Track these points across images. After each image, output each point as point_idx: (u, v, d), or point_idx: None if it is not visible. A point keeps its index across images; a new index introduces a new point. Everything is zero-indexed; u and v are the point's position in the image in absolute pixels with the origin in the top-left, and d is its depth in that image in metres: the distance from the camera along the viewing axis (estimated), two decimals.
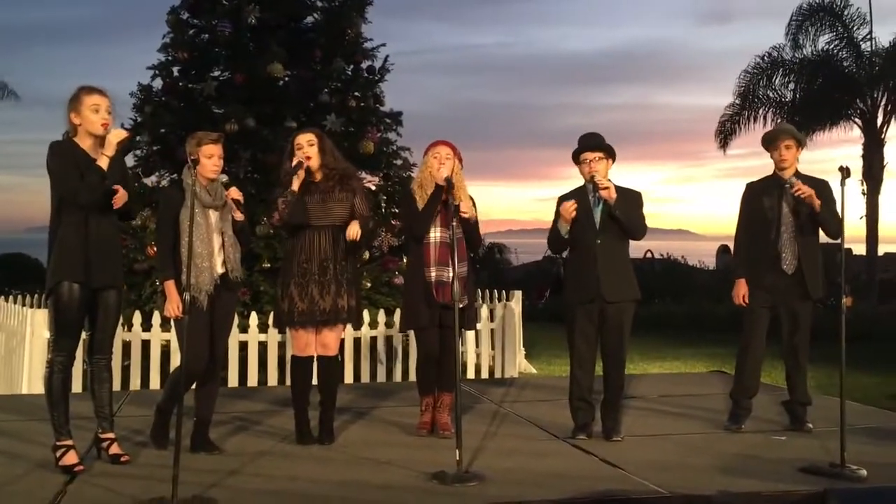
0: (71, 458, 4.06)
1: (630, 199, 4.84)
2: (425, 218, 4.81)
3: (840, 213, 4.53)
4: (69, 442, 4.11)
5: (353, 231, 4.61)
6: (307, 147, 4.71)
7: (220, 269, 4.39)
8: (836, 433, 4.25)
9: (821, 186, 4.98)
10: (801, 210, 4.92)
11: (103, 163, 4.06)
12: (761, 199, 5.07)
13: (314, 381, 4.82)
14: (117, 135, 4.11)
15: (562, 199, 4.98)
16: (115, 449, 4.24)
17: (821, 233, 5.04)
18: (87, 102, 4.12)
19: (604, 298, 4.75)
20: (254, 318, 7.08)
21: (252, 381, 7.03)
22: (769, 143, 5.09)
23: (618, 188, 4.77)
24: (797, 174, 5.01)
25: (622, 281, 4.82)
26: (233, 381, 6.94)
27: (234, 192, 4.49)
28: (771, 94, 16.79)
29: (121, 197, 4.13)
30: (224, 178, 4.42)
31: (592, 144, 4.86)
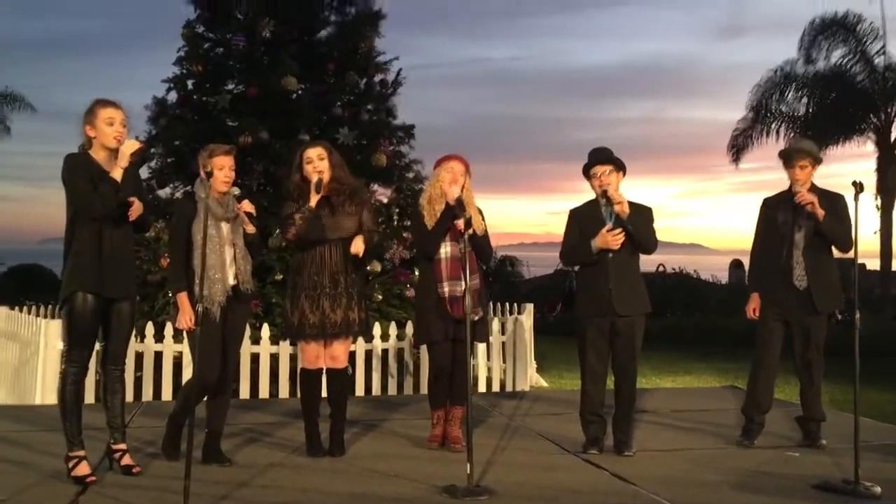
0: (83, 469, 4.08)
1: (641, 214, 4.84)
2: (435, 238, 4.82)
3: (854, 228, 4.51)
4: (81, 453, 4.13)
5: (358, 246, 4.63)
6: (318, 161, 4.72)
7: (231, 281, 4.41)
8: (850, 450, 4.22)
9: (835, 200, 4.97)
10: (809, 224, 4.91)
11: (117, 174, 4.10)
12: (776, 214, 5.07)
13: (324, 394, 4.83)
14: (130, 146, 4.15)
15: (573, 213, 4.99)
16: (126, 460, 4.25)
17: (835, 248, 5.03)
18: (102, 115, 4.16)
19: (615, 312, 4.75)
20: (266, 331, 7.09)
21: (263, 393, 7.04)
22: (785, 160, 5.09)
23: (629, 203, 4.78)
24: (812, 189, 5.00)
25: (634, 295, 4.81)
26: (244, 392, 6.95)
27: (246, 205, 4.51)
28: (784, 109, 16.76)
29: (136, 209, 4.17)
30: (236, 190, 4.45)
31: (603, 158, 4.87)
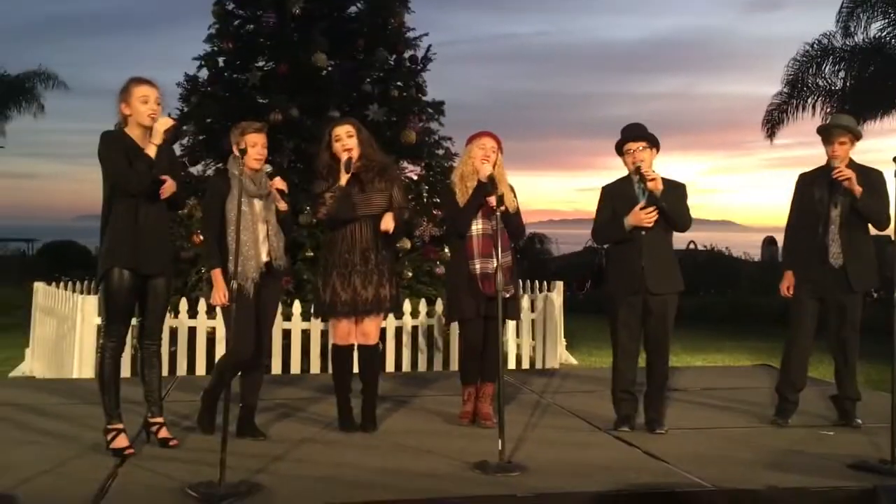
0: (121, 442, 4.16)
1: (675, 191, 4.78)
2: (467, 215, 4.81)
3: (893, 205, 4.43)
4: (120, 426, 4.21)
5: (388, 223, 4.63)
6: (346, 139, 4.71)
7: (264, 258, 4.45)
8: (886, 429, 4.16)
9: (873, 176, 4.88)
10: (846, 201, 4.83)
11: (151, 151, 4.15)
12: (812, 191, 4.99)
13: (355, 370, 4.87)
14: (164, 123, 4.18)
15: (606, 190, 4.94)
16: (163, 433, 4.33)
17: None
18: (137, 94, 4.20)
19: (648, 290, 4.71)
20: (297, 307, 7.15)
21: (295, 368, 7.11)
22: (824, 135, 4.99)
23: (662, 180, 4.72)
24: (850, 165, 4.91)
25: (666, 272, 4.77)
26: (276, 368, 7.03)
27: (279, 182, 4.54)
28: (821, 83, 16.40)
29: (168, 187, 4.20)
30: (268, 167, 4.47)
31: (636, 135, 4.81)
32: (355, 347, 4.81)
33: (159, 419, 4.36)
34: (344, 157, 4.68)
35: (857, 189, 4.77)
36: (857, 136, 4.99)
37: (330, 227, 4.79)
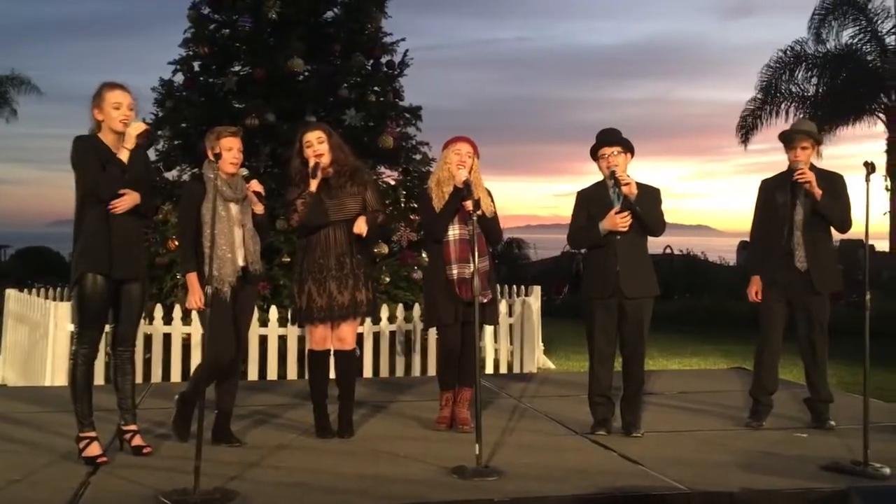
0: (94, 450, 4.11)
1: (649, 196, 4.82)
2: (443, 221, 4.81)
3: (866, 209, 4.48)
4: (92, 434, 4.15)
5: (361, 227, 4.62)
6: (317, 144, 4.70)
7: (240, 262, 4.42)
8: (858, 431, 4.21)
9: (833, 180, 4.98)
10: (808, 203, 4.90)
11: (124, 156, 4.11)
12: (775, 195, 5.06)
13: (332, 375, 4.84)
14: (136, 128, 4.15)
15: (581, 194, 4.97)
16: (137, 441, 4.28)
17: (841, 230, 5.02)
18: (109, 99, 4.17)
19: (623, 294, 4.74)
20: (273, 312, 7.11)
21: (272, 374, 7.07)
22: (786, 141, 5.07)
23: (637, 185, 4.75)
24: (812, 169, 4.98)
25: (641, 277, 4.80)
26: (252, 374, 6.98)
27: (255, 185, 4.51)
28: (794, 89, 16.66)
29: (122, 202, 4.13)
30: (244, 171, 4.45)
31: (610, 139, 4.84)
32: (331, 353, 4.79)
33: (133, 427, 4.32)
34: (311, 163, 4.67)
35: (818, 192, 4.86)
36: (818, 141, 5.08)
37: (303, 234, 4.76)
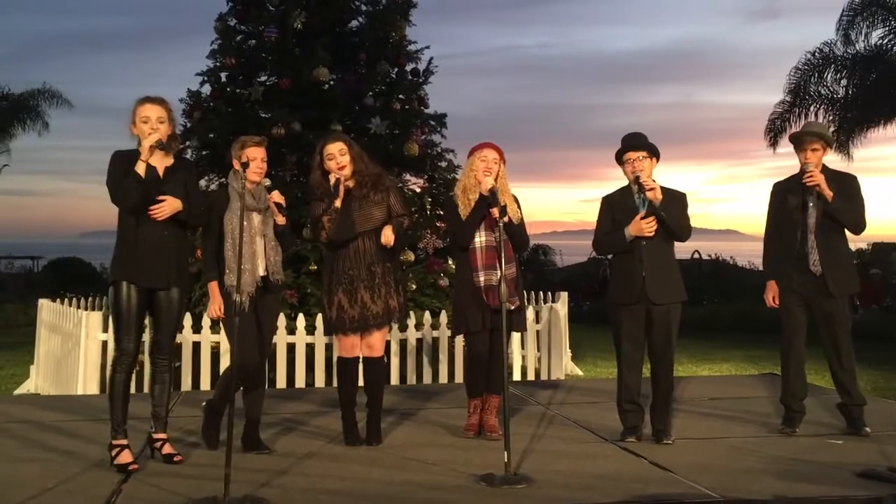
0: (126, 458, 4.15)
1: (675, 201, 4.78)
2: (469, 228, 4.81)
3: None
4: (124, 441, 4.19)
5: (388, 236, 4.63)
6: (339, 156, 4.70)
7: (261, 272, 4.45)
8: (894, 437, 4.13)
9: (844, 181, 4.93)
10: (820, 205, 4.84)
11: (140, 168, 4.16)
12: (787, 199, 4.99)
13: (360, 383, 4.85)
14: (149, 139, 4.19)
15: (606, 200, 4.94)
16: (167, 449, 4.31)
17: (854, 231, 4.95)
18: (139, 114, 4.28)
19: (650, 300, 4.70)
20: (301, 321, 7.14)
21: (300, 382, 7.09)
22: (796, 143, 5.01)
23: (662, 189, 4.72)
24: (824, 171, 4.92)
25: (668, 282, 4.76)
26: (281, 382, 7.01)
27: (276, 196, 4.53)
28: (823, 91, 16.40)
29: (162, 209, 4.19)
30: (267, 181, 4.49)
31: (636, 144, 4.81)
32: (360, 360, 4.80)
33: (163, 435, 4.35)
34: (332, 179, 4.67)
35: (829, 193, 4.80)
36: (829, 143, 5.02)
37: (333, 249, 4.77)
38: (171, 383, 4.42)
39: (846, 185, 4.90)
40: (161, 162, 4.28)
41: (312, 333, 7.13)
